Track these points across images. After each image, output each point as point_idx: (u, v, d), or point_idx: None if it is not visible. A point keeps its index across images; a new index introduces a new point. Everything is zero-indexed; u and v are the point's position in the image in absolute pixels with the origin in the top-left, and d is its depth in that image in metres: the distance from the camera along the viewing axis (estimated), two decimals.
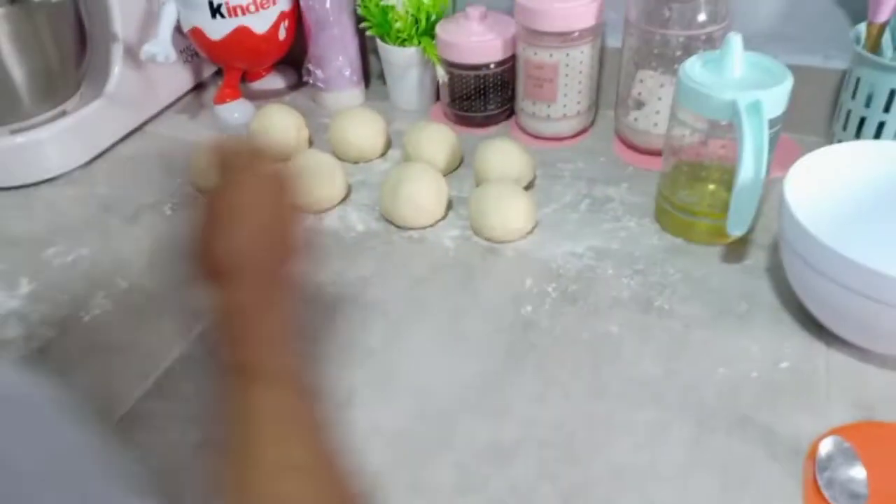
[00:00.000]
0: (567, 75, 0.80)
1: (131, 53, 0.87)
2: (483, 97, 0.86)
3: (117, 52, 0.86)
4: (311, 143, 0.87)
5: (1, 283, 0.69)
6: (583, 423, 0.54)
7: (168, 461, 0.53)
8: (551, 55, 0.78)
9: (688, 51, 0.74)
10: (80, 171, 0.85)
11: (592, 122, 0.87)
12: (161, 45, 0.82)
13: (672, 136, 0.67)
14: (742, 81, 0.61)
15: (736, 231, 0.63)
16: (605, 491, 0.49)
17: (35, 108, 0.82)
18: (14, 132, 0.80)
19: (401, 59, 0.90)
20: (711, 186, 0.69)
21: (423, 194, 0.72)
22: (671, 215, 0.69)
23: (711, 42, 0.74)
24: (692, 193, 0.69)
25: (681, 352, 0.59)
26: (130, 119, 0.91)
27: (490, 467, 0.51)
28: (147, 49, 0.82)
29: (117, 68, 0.87)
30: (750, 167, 0.59)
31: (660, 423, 0.53)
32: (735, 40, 0.61)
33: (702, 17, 0.73)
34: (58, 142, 0.83)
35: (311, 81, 0.94)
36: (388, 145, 0.86)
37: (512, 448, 0.52)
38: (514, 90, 0.87)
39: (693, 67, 0.63)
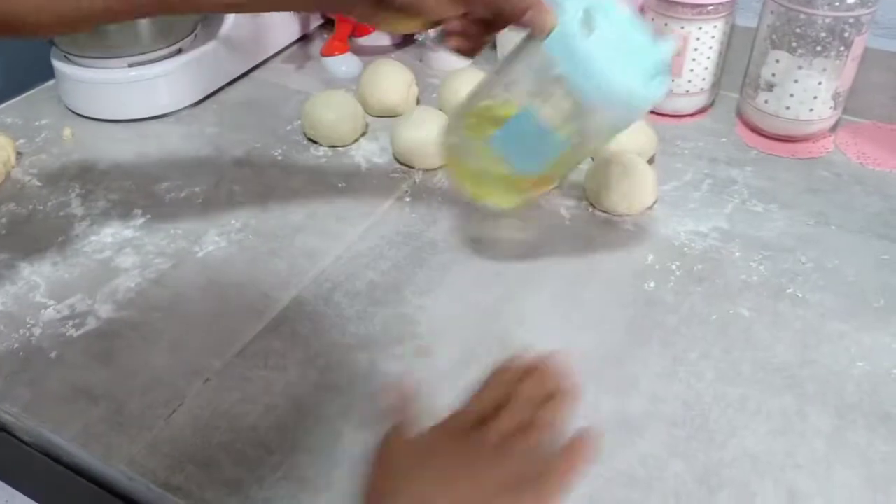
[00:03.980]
0: (696, 49, 0.77)
1: None
2: None
3: None
4: (418, 101, 0.86)
5: (116, 213, 0.69)
6: (715, 405, 0.51)
7: (287, 399, 0.52)
8: (683, 27, 0.75)
9: (833, 33, 0.70)
10: (189, 110, 0.85)
11: (712, 103, 0.84)
12: None
13: None
14: None
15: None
16: (741, 474, 0.47)
17: (153, 42, 0.81)
18: (132, 65, 0.81)
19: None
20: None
21: None
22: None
23: (858, 26, 0.70)
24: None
25: (816, 342, 0.56)
26: (240, 63, 0.91)
27: (617, 439, 0.50)
28: None
29: None
30: None
31: (797, 411, 0.51)
32: None
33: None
34: (171, 79, 0.83)
35: (421, 39, 0.93)
36: None
37: (640, 423, 0.50)
38: None
39: None
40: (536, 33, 0.49)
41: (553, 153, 0.53)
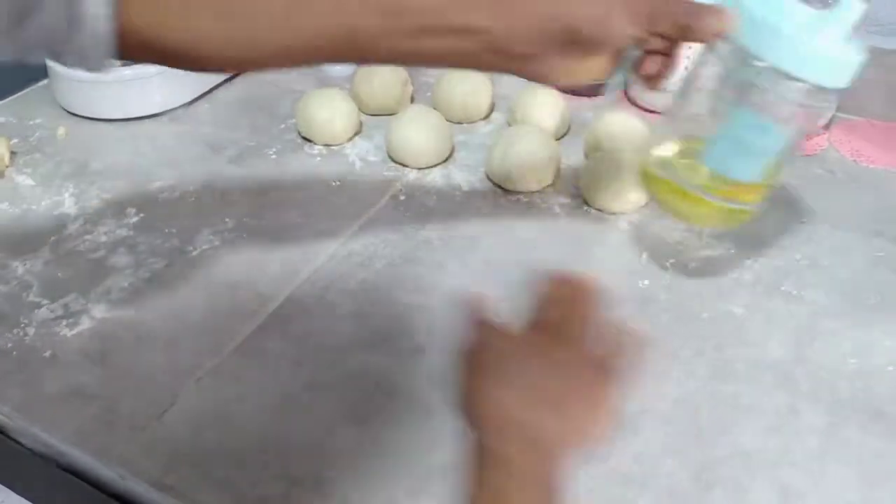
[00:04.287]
0: (690, 46, 0.76)
1: None
2: None
3: None
4: (412, 100, 0.86)
5: (110, 212, 0.69)
6: (708, 402, 0.52)
7: (280, 398, 0.52)
8: None
9: None
10: (183, 109, 0.84)
11: None
12: None
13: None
14: None
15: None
16: (735, 471, 0.47)
17: None
18: (126, 64, 0.80)
19: None
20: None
21: (536, 158, 0.70)
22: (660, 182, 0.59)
23: None
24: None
25: (809, 339, 0.56)
26: None
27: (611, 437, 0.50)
28: None
29: None
30: None
31: (790, 408, 0.51)
32: None
33: None
34: (164, 78, 0.82)
35: None
36: (492, 108, 0.84)
37: (634, 421, 0.50)
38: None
39: None
40: (724, 35, 0.47)
41: (771, 151, 0.52)
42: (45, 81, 0.87)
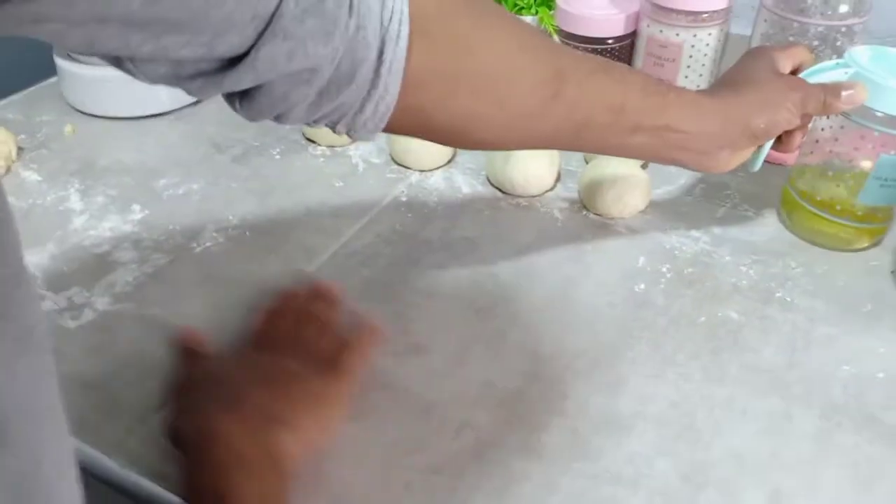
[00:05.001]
0: (691, 56, 0.77)
1: None
2: None
3: None
4: None
5: (115, 208, 0.70)
6: (702, 406, 0.52)
7: None
8: (678, 34, 0.76)
9: (825, 41, 0.71)
10: (189, 109, 0.86)
11: None
12: None
13: (819, 125, 0.64)
14: None
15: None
16: (727, 474, 0.48)
17: None
18: None
19: None
20: (845, 187, 0.66)
21: (537, 162, 0.71)
22: (804, 210, 0.66)
23: (850, 35, 0.71)
24: (829, 191, 0.65)
25: (804, 345, 0.57)
26: None
27: (605, 438, 0.50)
28: None
29: None
30: None
31: (783, 413, 0.52)
32: None
33: (844, 9, 0.70)
34: None
35: None
36: None
37: (628, 422, 0.51)
38: None
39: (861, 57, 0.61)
40: (860, 104, 0.57)
41: None
42: (53, 79, 0.88)
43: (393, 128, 0.43)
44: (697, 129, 0.50)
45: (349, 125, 0.42)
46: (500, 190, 0.73)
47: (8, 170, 0.75)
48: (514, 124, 0.45)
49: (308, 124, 0.42)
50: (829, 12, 0.70)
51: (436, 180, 0.75)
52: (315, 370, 0.44)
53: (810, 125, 0.61)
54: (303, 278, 0.48)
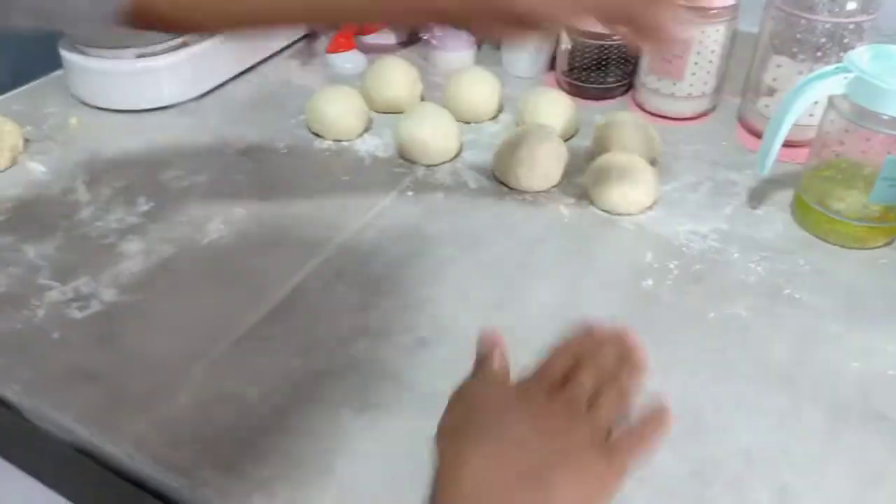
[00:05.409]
0: (699, 52, 0.77)
1: None
2: (603, 69, 0.84)
3: None
4: (422, 98, 0.87)
5: (121, 200, 0.70)
6: (710, 402, 0.52)
7: (286, 384, 0.53)
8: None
9: (833, 38, 0.71)
10: (195, 103, 0.85)
11: (714, 107, 0.85)
12: None
13: (825, 129, 0.64)
14: None
15: None
16: (735, 470, 0.48)
17: (160, 35, 0.82)
18: (139, 57, 0.81)
19: None
20: (857, 189, 0.65)
21: (544, 158, 0.71)
22: (814, 211, 0.66)
23: (859, 32, 0.71)
24: (841, 193, 0.65)
25: (812, 342, 0.56)
26: (245, 58, 0.91)
27: None
28: None
29: None
30: None
31: (791, 409, 0.51)
32: None
33: (852, 6, 0.70)
34: (175, 71, 0.83)
35: (427, 38, 0.94)
36: (501, 109, 0.85)
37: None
38: (635, 66, 0.85)
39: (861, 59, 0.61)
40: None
41: None
42: (59, 72, 0.88)
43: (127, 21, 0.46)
44: None
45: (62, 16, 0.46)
46: (506, 185, 0.73)
47: (14, 161, 0.75)
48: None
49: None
50: (837, 9, 0.70)
51: (442, 175, 0.75)
52: (590, 435, 0.37)
53: (816, 128, 0.61)
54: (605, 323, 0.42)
